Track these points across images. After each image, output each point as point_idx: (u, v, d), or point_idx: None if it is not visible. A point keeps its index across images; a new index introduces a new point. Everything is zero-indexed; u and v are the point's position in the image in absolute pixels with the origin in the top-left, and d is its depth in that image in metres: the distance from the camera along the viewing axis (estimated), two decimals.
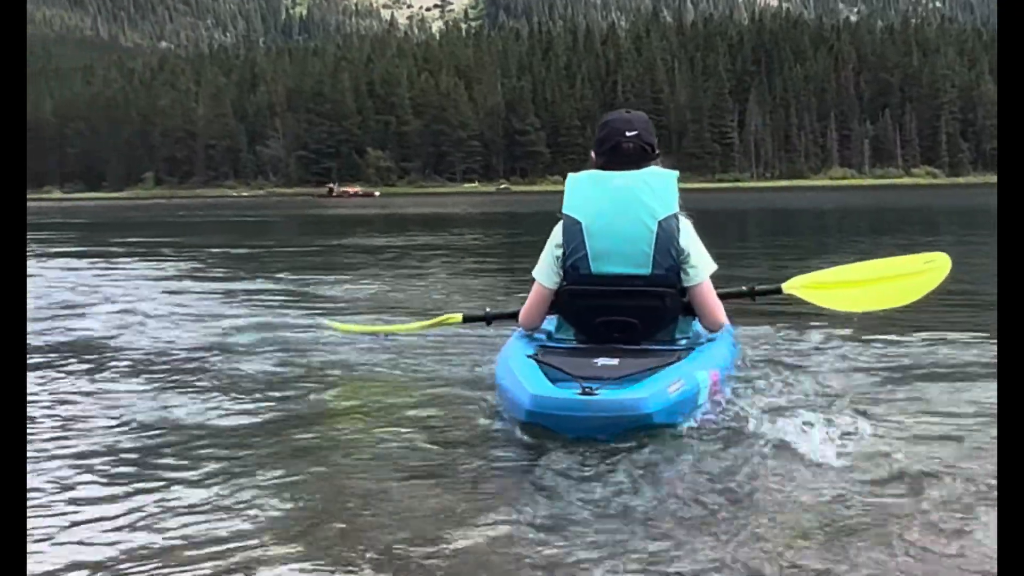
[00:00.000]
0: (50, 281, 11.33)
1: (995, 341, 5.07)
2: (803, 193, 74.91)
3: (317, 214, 42.56)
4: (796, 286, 5.10)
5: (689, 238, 4.42)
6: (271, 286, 10.37)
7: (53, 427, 4.16)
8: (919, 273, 5.06)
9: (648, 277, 4.38)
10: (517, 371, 4.12)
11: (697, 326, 4.69)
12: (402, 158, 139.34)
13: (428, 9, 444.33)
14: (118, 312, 8.02)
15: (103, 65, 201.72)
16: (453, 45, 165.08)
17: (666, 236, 4.33)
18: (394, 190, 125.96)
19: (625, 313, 4.44)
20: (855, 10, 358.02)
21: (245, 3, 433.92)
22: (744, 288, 5.12)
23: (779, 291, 5.11)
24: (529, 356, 4.23)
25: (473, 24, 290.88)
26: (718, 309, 4.55)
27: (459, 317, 5.40)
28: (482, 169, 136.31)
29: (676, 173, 4.52)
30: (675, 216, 4.37)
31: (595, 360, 4.15)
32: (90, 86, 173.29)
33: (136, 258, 15.63)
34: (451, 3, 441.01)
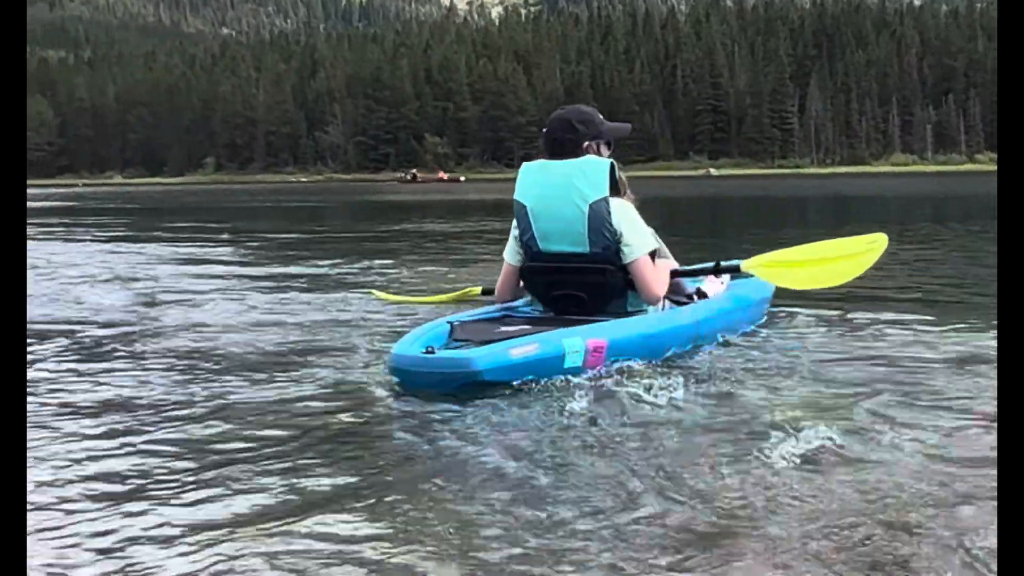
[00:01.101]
0: (75, 262, 11.45)
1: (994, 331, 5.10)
2: (864, 180, 73.85)
3: (377, 200, 42.39)
4: (754, 264, 5.34)
5: (622, 219, 4.91)
6: (307, 271, 10.29)
7: (52, 413, 4.07)
8: (863, 253, 5.40)
9: (587, 255, 4.93)
10: (412, 332, 4.72)
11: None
12: (460, 144, 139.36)
13: None
14: (131, 294, 8.07)
15: (165, 51, 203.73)
16: (512, 30, 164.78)
17: (597, 217, 4.86)
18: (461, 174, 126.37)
19: (572, 287, 5.02)
20: None
21: None
22: (710, 264, 5.46)
23: (738, 269, 5.38)
24: (448, 321, 4.87)
25: (532, 9, 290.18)
26: (654, 284, 4.97)
27: (478, 290, 5.82)
28: (538, 156, 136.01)
29: (610, 162, 4.96)
30: (605, 200, 4.86)
31: (499, 328, 4.79)
32: (151, 72, 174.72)
33: (177, 243, 15.64)
34: None
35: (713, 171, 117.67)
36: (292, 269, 10.52)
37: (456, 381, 4.25)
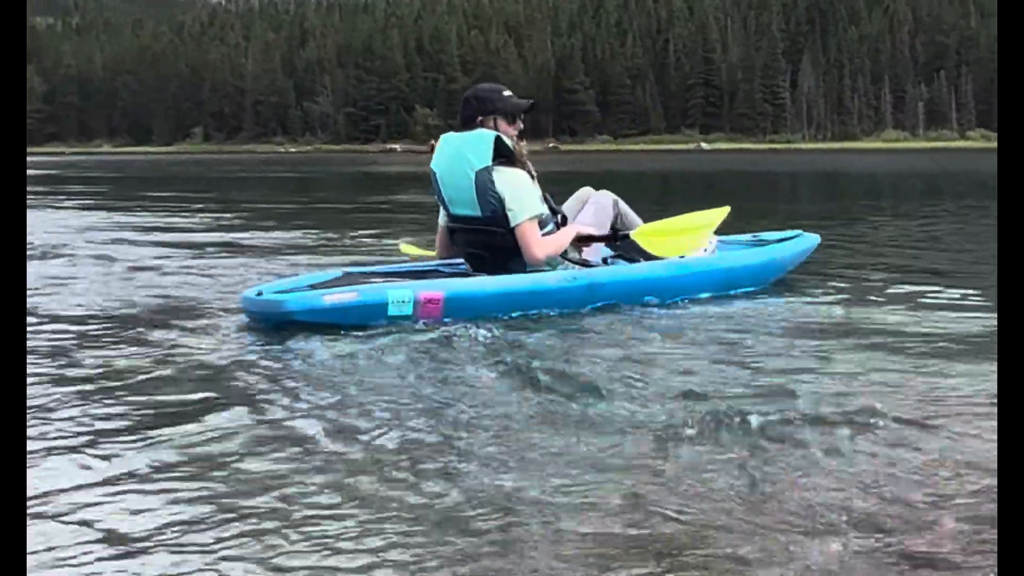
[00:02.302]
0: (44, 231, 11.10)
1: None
2: (856, 156, 73.77)
3: (367, 171, 42.16)
4: (640, 233, 5.89)
5: (505, 187, 5.46)
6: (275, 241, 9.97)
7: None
8: (714, 223, 6.05)
9: (480, 218, 5.55)
10: (296, 278, 5.59)
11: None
12: (450, 116, 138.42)
13: None
14: (87, 264, 8.02)
15: (153, 19, 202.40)
16: (503, 2, 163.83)
17: (482, 184, 5.46)
18: None
19: (476, 247, 5.69)
20: None
21: None
22: (609, 232, 5.98)
23: (628, 237, 5.90)
24: (344, 271, 5.72)
25: None
26: (534, 247, 5.48)
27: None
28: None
29: (494, 134, 5.51)
30: (487, 168, 5.44)
31: (373, 280, 5.43)
32: (139, 40, 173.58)
33: (150, 213, 15.41)
34: None
35: (705, 145, 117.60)
36: (262, 238, 10.21)
37: (272, 319, 5.01)
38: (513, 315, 5.25)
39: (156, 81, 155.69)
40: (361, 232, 10.80)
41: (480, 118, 5.69)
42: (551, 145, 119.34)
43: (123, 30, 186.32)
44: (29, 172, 39.40)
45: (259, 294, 5.10)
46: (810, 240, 6.76)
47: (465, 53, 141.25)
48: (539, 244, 5.50)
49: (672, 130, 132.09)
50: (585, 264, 5.80)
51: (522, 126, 5.82)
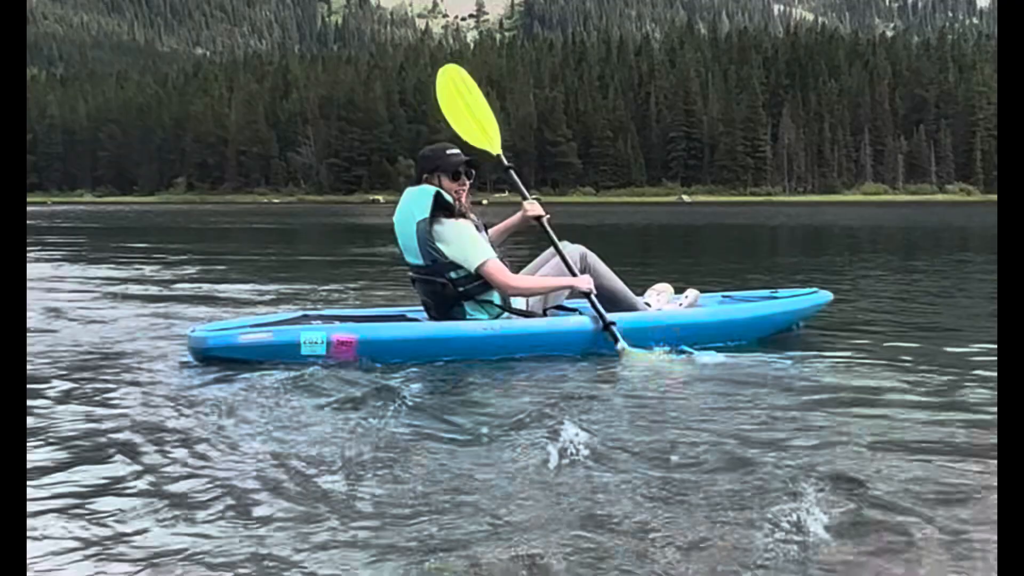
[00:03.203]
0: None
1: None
2: (836, 208, 74.08)
3: (346, 223, 42.03)
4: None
5: (447, 237, 5.85)
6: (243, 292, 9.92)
7: None
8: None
9: (424, 267, 5.92)
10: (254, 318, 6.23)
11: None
12: None
13: (463, 19, 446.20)
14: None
15: (138, 70, 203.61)
16: (486, 55, 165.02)
17: (422, 235, 5.86)
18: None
19: (424, 294, 6.06)
20: (891, 25, 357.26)
21: (282, 11, 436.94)
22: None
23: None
24: (303, 313, 6.29)
25: (507, 35, 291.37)
26: (504, 280, 5.83)
27: None
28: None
29: (434, 189, 5.89)
30: (426, 220, 5.84)
31: (314, 322, 5.80)
32: (124, 90, 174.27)
33: (126, 265, 15.33)
34: (486, 13, 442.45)
35: (686, 198, 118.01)
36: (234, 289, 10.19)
37: (196, 353, 5.52)
38: (438, 361, 5.57)
39: (140, 131, 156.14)
40: (340, 283, 10.74)
41: (425, 175, 6.06)
42: (534, 197, 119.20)
43: (108, 81, 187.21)
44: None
45: (193, 331, 5.67)
46: (808, 299, 6.76)
47: None
48: (507, 274, 5.85)
49: (654, 182, 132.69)
50: (526, 315, 6.00)
51: (468, 180, 6.12)
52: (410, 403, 4.48)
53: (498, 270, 5.81)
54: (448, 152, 6.13)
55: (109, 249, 19.84)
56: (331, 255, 18.74)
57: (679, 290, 6.73)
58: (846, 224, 37.29)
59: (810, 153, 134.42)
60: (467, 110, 6.98)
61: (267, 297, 9.38)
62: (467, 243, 5.84)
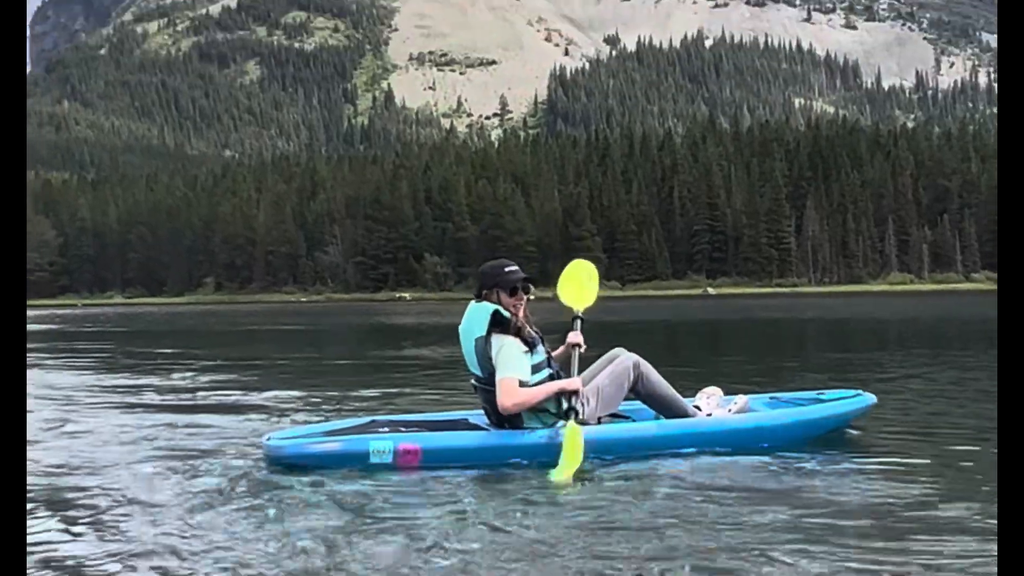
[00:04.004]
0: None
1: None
2: (862, 299, 73.84)
3: (376, 323, 42.00)
4: (568, 426, 6.17)
5: (495, 351, 6.24)
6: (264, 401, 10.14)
7: None
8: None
9: (483, 378, 6.35)
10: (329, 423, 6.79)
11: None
12: (459, 264, 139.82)
13: (487, 118, 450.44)
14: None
15: (168, 172, 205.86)
16: (511, 152, 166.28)
17: (480, 350, 6.31)
18: (451, 295, 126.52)
19: (484, 402, 6.43)
20: (912, 116, 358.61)
21: (308, 113, 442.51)
22: (565, 408, 6.35)
23: (575, 418, 6.24)
24: (371, 418, 6.82)
25: (531, 132, 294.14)
26: (502, 396, 6.15)
27: None
28: (539, 275, 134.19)
29: (492, 307, 6.31)
30: (483, 337, 6.28)
31: (383, 429, 6.27)
32: (153, 193, 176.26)
33: (160, 372, 15.48)
34: (510, 112, 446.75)
35: (711, 290, 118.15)
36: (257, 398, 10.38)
37: (272, 460, 6.01)
38: (495, 466, 5.93)
39: (169, 233, 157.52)
40: (379, 388, 10.87)
41: (485, 291, 6.49)
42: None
43: (138, 184, 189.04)
44: (37, 327, 39.78)
45: (268, 439, 6.15)
46: (854, 403, 6.88)
47: (473, 202, 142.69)
48: (508, 395, 6.14)
49: (679, 275, 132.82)
50: (580, 424, 6.17)
51: (526, 296, 6.52)
52: (469, 509, 4.91)
53: (505, 390, 6.16)
54: (507, 269, 6.53)
55: (144, 355, 19.93)
56: (365, 358, 18.70)
57: (727, 391, 7.05)
58: (878, 317, 37.18)
59: (834, 244, 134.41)
60: (577, 285, 7.23)
61: (315, 403, 9.56)
62: (500, 357, 6.20)
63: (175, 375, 13.84)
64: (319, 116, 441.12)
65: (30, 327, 37.26)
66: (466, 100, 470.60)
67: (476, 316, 6.38)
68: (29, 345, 22.22)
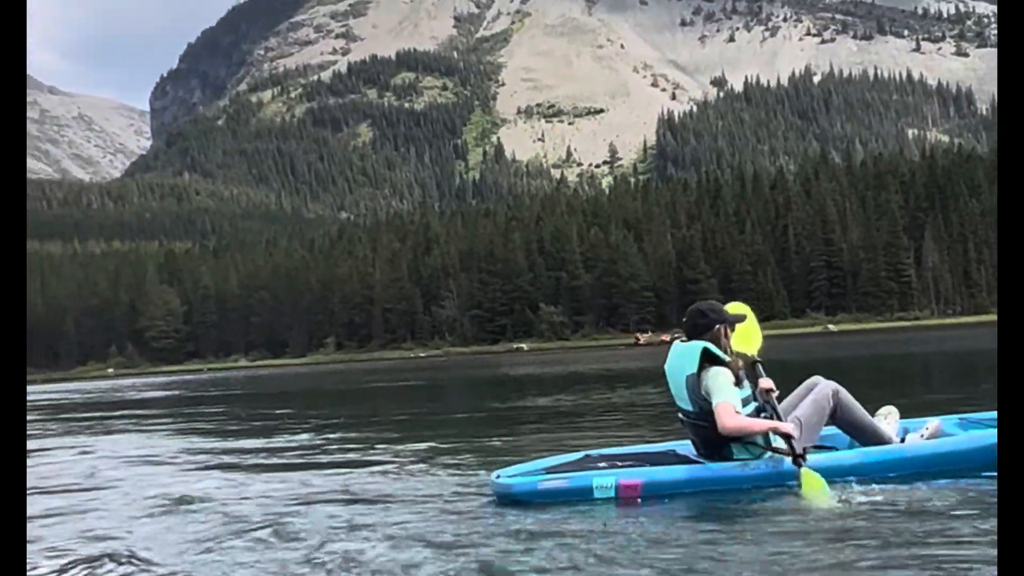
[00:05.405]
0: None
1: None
2: (989, 329, 72.00)
3: (498, 375, 41.80)
4: (804, 472, 6.31)
5: (707, 383, 6.58)
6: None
7: None
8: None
9: (693, 412, 6.67)
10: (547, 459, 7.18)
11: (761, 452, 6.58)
12: (575, 312, 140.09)
13: (597, 166, 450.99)
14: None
15: (286, 237, 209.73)
16: (622, 199, 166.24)
17: (691, 387, 6.65)
18: (567, 344, 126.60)
19: (693, 435, 6.81)
20: None
21: (421, 171, 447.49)
22: (791, 450, 6.51)
23: (800, 461, 6.45)
24: (588, 452, 7.26)
25: (642, 178, 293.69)
26: (724, 417, 6.40)
27: None
28: (655, 319, 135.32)
29: (702, 345, 6.69)
30: (694, 374, 6.63)
31: (600, 464, 6.69)
32: (272, 257, 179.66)
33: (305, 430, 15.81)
34: (620, 159, 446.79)
35: (832, 327, 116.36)
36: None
37: (503, 499, 6.44)
38: (710, 498, 6.23)
39: (289, 296, 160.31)
40: (536, 435, 11.34)
41: (703, 330, 6.92)
42: (676, 335, 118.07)
43: (257, 249, 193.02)
44: (163, 393, 40.83)
45: (497, 477, 6.66)
46: None
47: (586, 250, 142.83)
48: (729, 416, 6.42)
49: (797, 314, 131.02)
50: (789, 454, 6.45)
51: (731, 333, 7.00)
52: (699, 539, 5.20)
53: (723, 412, 6.43)
54: (719, 309, 7.09)
55: (299, 416, 20.08)
56: (511, 407, 18.56)
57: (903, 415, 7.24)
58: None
59: (956, 274, 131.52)
60: (753, 328, 7.54)
61: (497, 449, 10.05)
62: (715, 384, 6.55)
63: (341, 432, 14.21)
64: (431, 173, 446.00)
65: (168, 393, 38.32)
66: (575, 150, 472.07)
67: (686, 354, 6.75)
68: (203, 409, 23.00)
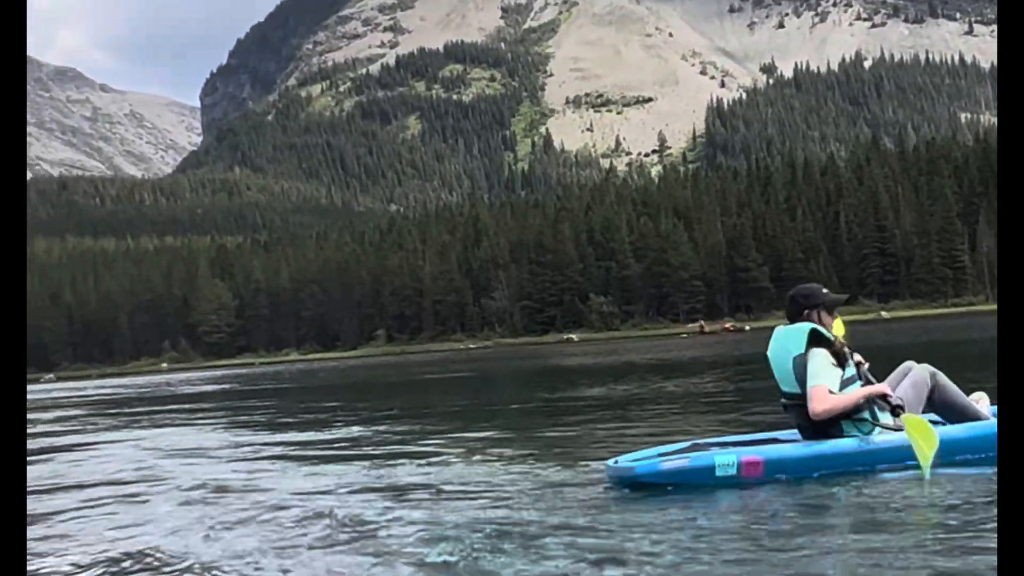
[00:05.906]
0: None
1: None
2: None
3: (549, 365, 41.59)
4: (906, 417, 6.47)
5: (811, 366, 6.66)
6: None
7: None
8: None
9: (799, 395, 6.74)
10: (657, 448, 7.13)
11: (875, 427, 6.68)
12: (625, 302, 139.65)
13: (646, 155, 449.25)
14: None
15: (336, 230, 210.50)
16: (671, 188, 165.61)
17: (798, 368, 6.74)
18: (616, 334, 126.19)
19: (799, 418, 6.83)
20: None
21: (469, 163, 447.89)
22: (891, 405, 6.73)
23: (900, 412, 6.64)
24: (694, 440, 7.32)
25: (691, 166, 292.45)
26: (814, 402, 6.57)
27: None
28: (706, 308, 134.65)
29: (809, 326, 6.83)
30: (803, 354, 6.73)
31: (712, 448, 6.80)
32: (323, 251, 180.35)
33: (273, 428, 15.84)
34: (669, 148, 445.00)
35: (885, 314, 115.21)
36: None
37: (624, 482, 6.50)
38: (826, 474, 6.38)
39: (340, 289, 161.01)
40: (596, 425, 11.31)
41: (807, 311, 7.07)
42: (727, 324, 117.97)
43: (308, 243, 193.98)
44: (217, 387, 41.09)
45: (615, 462, 6.70)
46: None
47: (636, 240, 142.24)
48: (819, 401, 6.53)
49: (849, 300, 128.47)
50: (895, 430, 6.58)
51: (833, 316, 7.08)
52: (827, 518, 5.39)
53: (816, 396, 6.57)
54: (823, 291, 7.21)
55: (367, 408, 20.35)
56: (577, 398, 18.48)
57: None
58: None
59: None
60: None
61: (590, 439, 10.00)
62: (812, 367, 6.66)
63: (412, 423, 14.27)
64: (480, 165, 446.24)
65: (225, 387, 38.55)
66: (624, 139, 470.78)
67: (792, 336, 6.88)
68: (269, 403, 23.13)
